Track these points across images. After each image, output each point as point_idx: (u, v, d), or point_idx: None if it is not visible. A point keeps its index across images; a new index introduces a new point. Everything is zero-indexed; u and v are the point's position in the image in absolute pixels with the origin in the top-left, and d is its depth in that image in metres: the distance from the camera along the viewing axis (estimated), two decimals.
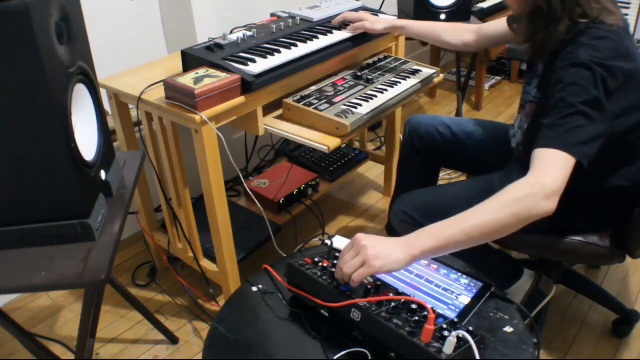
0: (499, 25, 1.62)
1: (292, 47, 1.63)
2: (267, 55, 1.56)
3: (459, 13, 2.49)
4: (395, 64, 1.92)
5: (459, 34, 1.72)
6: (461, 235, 1.00)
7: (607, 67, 1.14)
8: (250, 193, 1.79)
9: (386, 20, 1.81)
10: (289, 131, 1.57)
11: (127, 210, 1.26)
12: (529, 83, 1.42)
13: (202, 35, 2.01)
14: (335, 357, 0.97)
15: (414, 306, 0.95)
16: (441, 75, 1.93)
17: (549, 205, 1.03)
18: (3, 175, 1.06)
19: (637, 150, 1.30)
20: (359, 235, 1.02)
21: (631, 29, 2.18)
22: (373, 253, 0.98)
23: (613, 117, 1.17)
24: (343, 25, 1.82)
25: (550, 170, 1.06)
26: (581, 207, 1.36)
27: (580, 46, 1.17)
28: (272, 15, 1.98)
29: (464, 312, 1.07)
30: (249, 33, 1.68)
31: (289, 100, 1.61)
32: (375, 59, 1.95)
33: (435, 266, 1.20)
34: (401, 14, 2.72)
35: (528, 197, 1.02)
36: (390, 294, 0.99)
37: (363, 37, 1.82)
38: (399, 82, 1.78)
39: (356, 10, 1.92)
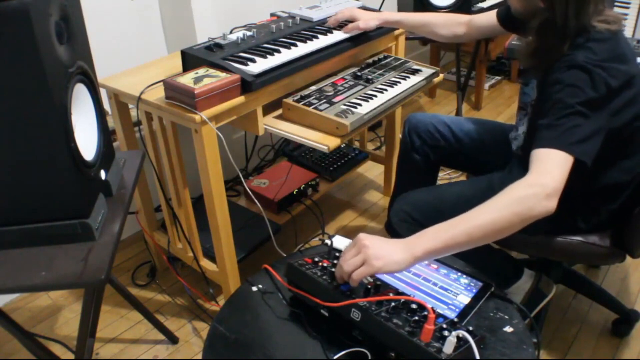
0: (489, 17, 1.63)
1: (292, 47, 1.63)
2: (267, 55, 1.56)
3: (459, 13, 2.48)
4: (395, 64, 1.92)
5: (451, 26, 1.73)
6: (463, 236, 1.00)
7: (605, 68, 1.15)
8: (250, 193, 1.79)
9: (379, 16, 1.80)
10: (289, 131, 1.57)
11: (127, 210, 1.26)
12: (527, 84, 1.42)
13: (202, 35, 2.00)
14: (335, 357, 0.97)
15: (414, 306, 0.95)
16: (441, 75, 1.93)
17: (550, 204, 1.04)
18: (3, 175, 1.06)
19: (634, 143, 1.30)
20: (362, 235, 1.02)
21: (631, 29, 2.18)
22: (374, 253, 0.98)
23: (613, 113, 1.18)
24: (340, 26, 1.82)
25: (550, 170, 1.07)
26: (581, 207, 1.36)
27: (577, 48, 1.18)
28: (272, 15, 1.98)
29: (464, 312, 1.07)
30: (249, 33, 1.68)
31: (289, 100, 1.61)
32: (375, 59, 1.95)
33: (435, 266, 1.20)
34: None
35: (529, 197, 1.03)
36: (391, 294, 0.99)
37: (363, 37, 1.81)
38: (399, 82, 1.78)
39: None
